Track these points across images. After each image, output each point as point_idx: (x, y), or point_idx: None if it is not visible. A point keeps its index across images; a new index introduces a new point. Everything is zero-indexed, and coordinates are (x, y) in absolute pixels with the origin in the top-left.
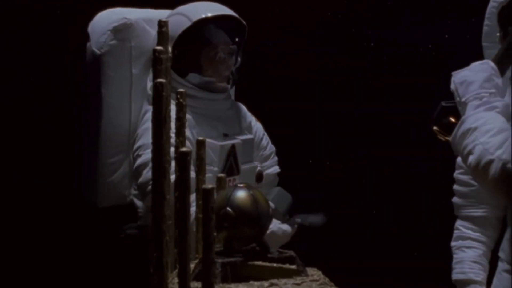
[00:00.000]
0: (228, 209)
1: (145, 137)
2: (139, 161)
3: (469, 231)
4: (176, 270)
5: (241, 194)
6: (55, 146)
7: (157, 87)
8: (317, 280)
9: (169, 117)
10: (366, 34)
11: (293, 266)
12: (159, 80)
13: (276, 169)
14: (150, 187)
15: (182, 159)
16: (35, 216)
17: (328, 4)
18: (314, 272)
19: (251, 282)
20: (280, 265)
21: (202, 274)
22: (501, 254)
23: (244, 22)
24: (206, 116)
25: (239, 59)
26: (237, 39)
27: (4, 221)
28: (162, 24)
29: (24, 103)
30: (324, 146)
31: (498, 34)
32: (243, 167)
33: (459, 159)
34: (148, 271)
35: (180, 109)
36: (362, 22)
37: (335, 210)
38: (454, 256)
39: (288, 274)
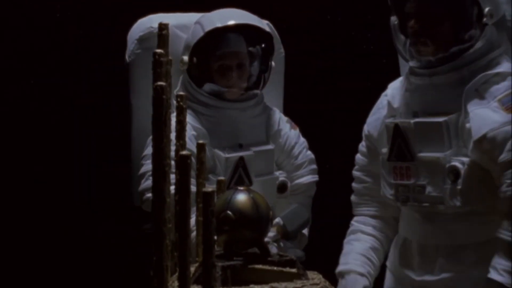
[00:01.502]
0: (228, 212)
1: (150, 147)
2: (140, 171)
3: (361, 225)
4: (176, 274)
5: (241, 197)
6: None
7: (157, 90)
8: (317, 284)
9: (170, 120)
10: (365, 36)
11: (294, 270)
12: (159, 83)
13: (309, 178)
14: (145, 197)
15: (182, 162)
16: (48, 216)
17: (328, 5)
18: (314, 276)
19: (251, 285)
20: (280, 268)
21: (202, 278)
22: (387, 263)
23: (266, 29)
24: (222, 125)
25: (270, 63)
26: (259, 46)
27: (7, 221)
28: (162, 27)
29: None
30: (324, 146)
31: (395, 22)
32: (258, 178)
33: (358, 155)
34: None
35: (180, 112)
36: (362, 24)
37: (335, 212)
38: (342, 251)
39: (289, 277)
